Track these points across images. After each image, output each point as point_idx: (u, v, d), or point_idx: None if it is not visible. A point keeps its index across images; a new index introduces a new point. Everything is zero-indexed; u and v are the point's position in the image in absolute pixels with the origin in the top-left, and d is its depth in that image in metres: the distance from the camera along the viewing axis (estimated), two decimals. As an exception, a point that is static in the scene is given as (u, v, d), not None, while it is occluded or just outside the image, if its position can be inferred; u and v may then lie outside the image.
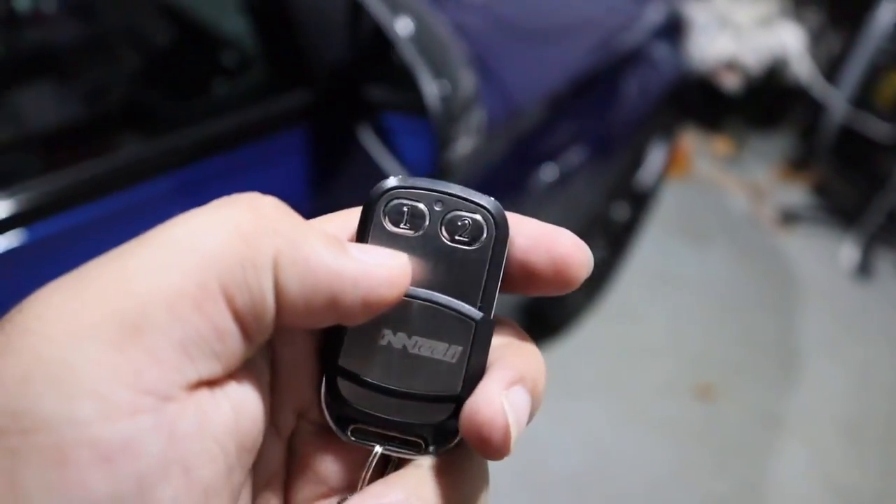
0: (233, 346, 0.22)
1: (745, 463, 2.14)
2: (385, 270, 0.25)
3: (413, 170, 0.83)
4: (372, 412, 0.28)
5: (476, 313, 0.28)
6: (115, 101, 0.97)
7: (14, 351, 0.19)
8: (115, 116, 0.96)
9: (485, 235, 0.28)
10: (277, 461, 0.28)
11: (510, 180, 1.37)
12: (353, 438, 0.28)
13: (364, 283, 0.24)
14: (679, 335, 2.54)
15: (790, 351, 2.54)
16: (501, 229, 0.28)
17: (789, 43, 3.32)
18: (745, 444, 2.20)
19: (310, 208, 0.87)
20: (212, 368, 0.22)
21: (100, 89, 0.96)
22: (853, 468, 2.14)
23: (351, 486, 0.28)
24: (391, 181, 0.28)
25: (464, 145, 0.75)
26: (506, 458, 0.25)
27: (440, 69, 0.72)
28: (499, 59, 1.32)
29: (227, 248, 0.21)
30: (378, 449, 0.28)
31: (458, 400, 0.27)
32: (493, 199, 0.28)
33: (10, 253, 0.67)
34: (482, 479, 0.28)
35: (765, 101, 3.63)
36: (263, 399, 0.25)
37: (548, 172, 1.49)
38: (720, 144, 3.69)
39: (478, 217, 0.28)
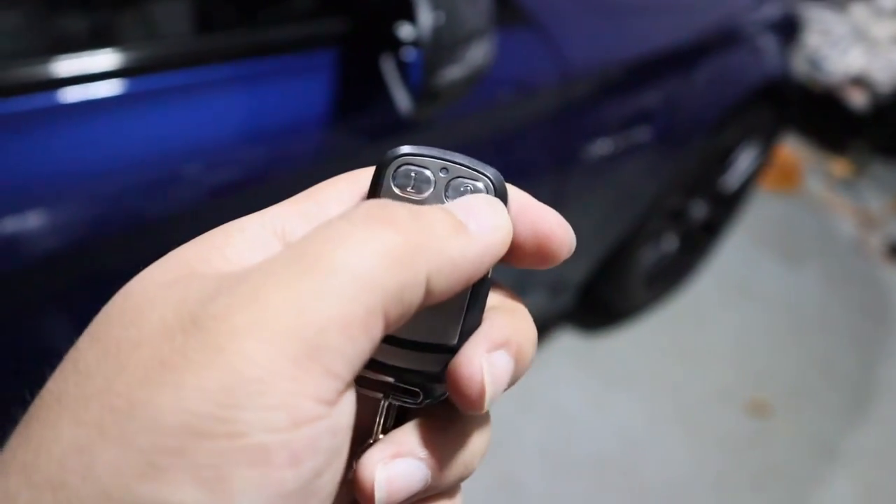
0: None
1: (784, 486, 2.05)
2: (501, 233, 0.27)
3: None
4: (375, 358, 0.29)
5: None
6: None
7: (214, 366, 0.22)
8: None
9: None
10: None
11: (554, 144, 1.39)
12: (356, 384, 0.32)
13: (489, 254, 0.27)
14: (745, 347, 2.45)
15: (865, 386, 2.39)
16: (500, 195, 0.29)
17: (932, 65, 3.06)
18: (789, 467, 2.10)
19: (326, 131, 0.96)
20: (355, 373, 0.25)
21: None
22: (902, 515, 2.01)
23: (363, 431, 0.30)
24: (403, 148, 0.30)
25: (452, 72, 0.81)
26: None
27: (439, 2, 0.78)
28: (561, 24, 1.35)
29: (387, 273, 0.24)
30: (384, 403, 0.30)
31: (454, 351, 0.28)
32: (494, 168, 0.30)
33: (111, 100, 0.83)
34: (486, 424, 0.31)
35: (893, 124, 3.37)
36: None
37: (601, 146, 1.50)
38: (838, 166, 3.47)
39: (479, 184, 0.29)
